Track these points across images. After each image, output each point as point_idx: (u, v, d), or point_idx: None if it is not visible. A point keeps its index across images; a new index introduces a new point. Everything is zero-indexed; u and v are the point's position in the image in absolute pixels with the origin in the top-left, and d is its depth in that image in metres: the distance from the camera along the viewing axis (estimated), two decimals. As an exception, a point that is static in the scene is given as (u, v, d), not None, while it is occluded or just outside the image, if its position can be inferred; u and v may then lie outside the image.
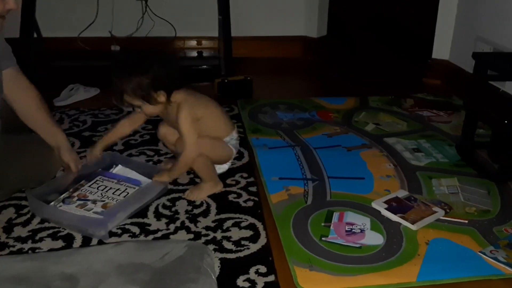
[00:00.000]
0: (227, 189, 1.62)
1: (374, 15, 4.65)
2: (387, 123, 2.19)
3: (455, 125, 2.17)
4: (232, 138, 1.64)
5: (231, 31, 2.84)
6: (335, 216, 1.48)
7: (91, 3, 2.98)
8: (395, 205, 1.51)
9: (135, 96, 1.43)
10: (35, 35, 2.79)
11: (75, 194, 1.53)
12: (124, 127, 1.66)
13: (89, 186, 1.58)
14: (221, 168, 1.68)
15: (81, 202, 1.50)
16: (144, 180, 1.61)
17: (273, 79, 2.83)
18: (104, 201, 1.50)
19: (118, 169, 1.68)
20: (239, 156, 1.84)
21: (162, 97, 1.46)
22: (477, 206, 1.55)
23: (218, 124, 1.61)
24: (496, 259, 1.29)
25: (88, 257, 0.99)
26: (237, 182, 1.66)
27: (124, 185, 1.58)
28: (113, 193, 1.54)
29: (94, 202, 1.50)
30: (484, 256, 1.30)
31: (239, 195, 1.58)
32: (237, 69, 2.70)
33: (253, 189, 1.62)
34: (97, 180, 1.61)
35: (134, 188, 1.57)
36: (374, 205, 1.52)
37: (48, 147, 1.61)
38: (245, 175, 1.71)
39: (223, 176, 1.68)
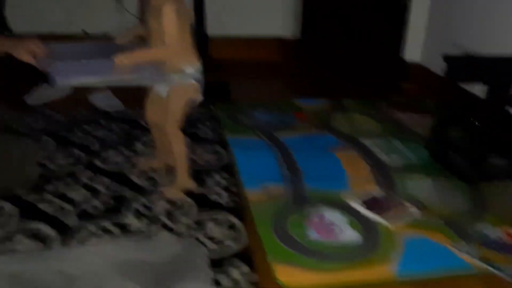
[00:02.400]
0: (208, 189, 1.62)
1: (348, 18, 4.72)
2: (362, 124, 2.24)
3: (428, 127, 2.22)
4: (196, 71, 1.52)
5: (207, 31, 2.84)
6: (313, 214, 1.50)
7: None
8: (372, 204, 1.55)
9: None
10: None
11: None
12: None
13: None
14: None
15: None
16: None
17: (250, 81, 2.85)
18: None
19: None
20: (219, 156, 1.85)
21: None
22: (451, 205, 1.60)
23: (188, 44, 1.48)
24: (469, 253, 1.34)
25: (86, 255, 0.98)
26: (218, 183, 1.67)
27: None
28: None
29: None
30: (458, 251, 1.35)
31: (220, 195, 1.59)
32: (213, 71, 2.69)
33: (233, 189, 1.63)
34: None
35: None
36: (351, 203, 1.55)
37: (26, 148, 1.58)
38: (225, 175, 1.72)
39: (203, 176, 1.68)
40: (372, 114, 2.37)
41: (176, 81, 1.50)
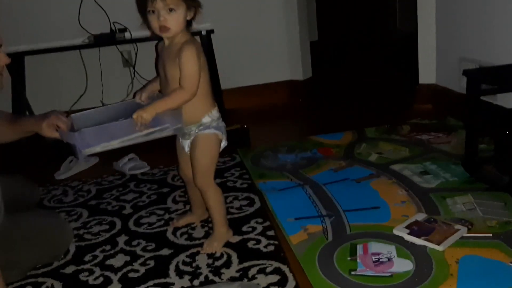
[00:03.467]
0: (245, 236, 1.59)
1: (356, 52, 4.81)
2: (389, 151, 2.21)
3: (455, 144, 2.19)
4: (213, 119, 1.49)
5: (220, 84, 2.90)
6: (359, 248, 1.45)
7: (80, 75, 3.03)
8: (417, 229, 1.50)
9: (177, 2, 1.35)
10: (27, 114, 2.81)
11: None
12: (156, 79, 1.58)
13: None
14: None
15: None
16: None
17: (268, 126, 2.87)
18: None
19: None
20: (250, 202, 1.83)
21: (191, 15, 1.40)
22: (497, 218, 1.54)
23: (206, 92, 1.46)
24: (530, 268, 1.27)
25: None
26: (254, 229, 1.64)
27: None
28: None
29: None
30: (518, 266, 1.29)
31: (258, 241, 1.55)
32: (230, 120, 2.72)
33: (271, 233, 1.60)
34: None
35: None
36: (396, 231, 1.50)
37: (58, 219, 1.59)
38: (259, 220, 1.69)
39: (238, 224, 1.66)
40: (396, 139, 2.34)
41: (197, 133, 1.49)
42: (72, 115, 1.53)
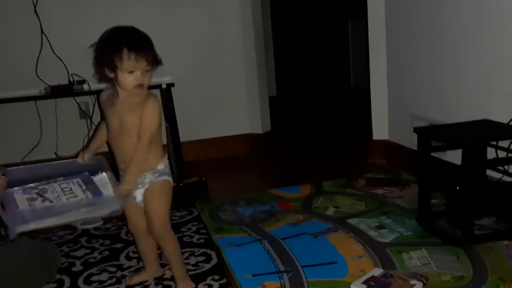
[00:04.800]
0: (201, 294, 1.54)
1: (313, 107, 4.95)
2: (346, 204, 2.24)
3: (409, 198, 2.25)
4: (166, 166, 1.54)
5: (179, 137, 2.90)
6: (317, 305, 1.43)
7: (34, 125, 2.95)
8: (374, 284, 1.50)
9: (152, 64, 1.41)
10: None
11: (41, 187, 1.46)
12: (102, 129, 1.55)
13: (59, 184, 1.49)
14: None
15: (35, 195, 1.44)
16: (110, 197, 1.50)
17: (227, 178, 2.86)
18: (52, 202, 1.43)
19: (101, 177, 1.55)
20: (207, 258, 1.78)
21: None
22: (451, 273, 1.57)
23: (160, 140, 1.54)
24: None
25: None
26: (210, 286, 1.59)
27: (85, 194, 1.49)
28: (67, 198, 1.45)
29: (44, 200, 1.43)
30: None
31: (215, 299, 1.51)
32: (188, 172, 2.71)
33: (228, 290, 1.56)
34: (71, 181, 1.51)
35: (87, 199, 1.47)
36: (353, 287, 1.50)
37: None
38: (216, 277, 1.64)
39: (194, 281, 1.60)
40: (353, 193, 2.38)
41: (152, 181, 1.49)
42: (10, 169, 1.51)
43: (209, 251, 1.84)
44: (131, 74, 1.39)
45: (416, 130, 1.92)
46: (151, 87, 2.74)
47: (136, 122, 1.43)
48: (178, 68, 2.94)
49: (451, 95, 2.35)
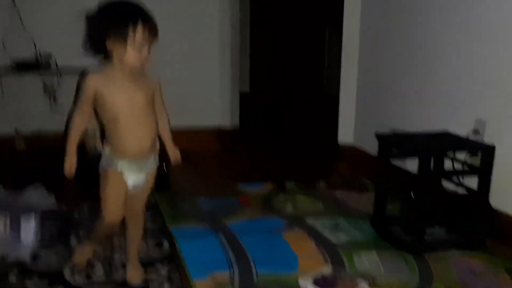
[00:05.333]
0: (148, 281, 1.52)
1: (284, 109, 4.97)
2: (305, 204, 2.25)
3: (366, 203, 2.27)
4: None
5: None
6: (264, 299, 1.43)
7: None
8: (321, 282, 1.51)
9: (154, 36, 1.33)
10: None
11: None
12: (80, 125, 1.40)
13: None
14: None
15: None
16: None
17: (191, 170, 2.83)
18: None
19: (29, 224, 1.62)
20: (159, 246, 1.76)
21: None
22: (398, 277, 1.60)
23: None
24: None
25: None
26: (159, 274, 1.57)
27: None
28: None
29: None
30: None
31: (161, 286, 1.49)
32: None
33: (176, 278, 1.54)
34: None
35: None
36: (301, 283, 1.51)
37: None
38: (166, 266, 1.62)
39: (143, 267, 1.58)
40: (314, 194, 2.40)
41: (153, 165, 1.49)
42: None
43: (162, 239, 1.82)
44: (139, 49, 1.31)
45: (378, 136, 1.95)
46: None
47: (147, 100, 1.38)
48: (153, 53, 2.89)
49: (415, 107, 2.40)
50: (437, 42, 2.24)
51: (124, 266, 1.59)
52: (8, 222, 1.68)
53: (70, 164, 1.39)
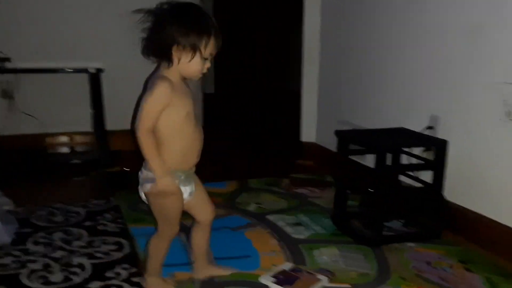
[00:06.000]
0: (107, 282, 1.50)
1: (248, 107, 4.98)
2: (267, 202, 2.27)
3: (328, 199, 2.31)
4: None
5: (105, 124, 2.81)
6: (225, 296, 1.44)
7: None
8: (282, 278, 1.53)
9: (219, 49, 1.30)
10: None
11: None
12: (153, 141, 1.31)
13: None
14: None
15: None
16: None
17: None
18: None
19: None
20: (119, 247, 1.74)
21: None
22: (357, 270, 1.63)
23: None
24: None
25: None
26: (118, 274, 1.55)
27: None
28: None
29: None
30: (369, 315, 1.35)
31: (121, 288, 1.47)
32: (116, 163, 2.64)
33: (137, 279, 1.52)
34: None
35: None
36: (262, 280, 1.52)
37: None
38: (126, 266, 1.61)
39: (102, 269, 1.56)
40: (276, 191, 2.42)
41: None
42: None
43: (122, 240, 1.80)
44: (205, 60, 1.27)
45: (337, 133, 1.99)
46: (74, 71, 2.65)
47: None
48: (110, 54, 2.86)
49: (375, 105, 2.46)
50: (393, 41, 2.30)
51: (83, 269, 1.56)
52: None
53: (169, 182, 1.32)
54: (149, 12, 1.26)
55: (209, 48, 1.26)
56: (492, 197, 1.82)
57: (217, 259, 1.67)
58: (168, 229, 1.41)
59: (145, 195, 1.38)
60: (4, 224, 1.75)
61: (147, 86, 1.31)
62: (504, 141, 1.75)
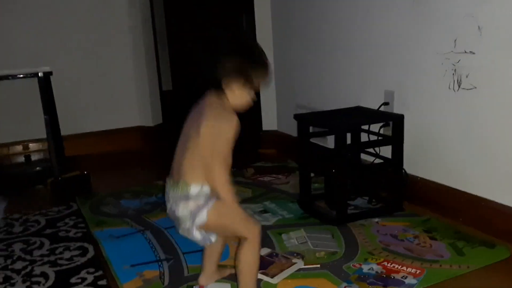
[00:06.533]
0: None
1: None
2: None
3: (293, 184, 2.32)
4: None
5: (60, 130, 2.72)
6: (195, 289, 1.42)
7: None
8: (255, 264, 1.52)
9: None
10: None
11: None
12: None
13: None
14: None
15: None
16: None
17: (114, 172, 2.75)
18: None
19: None
20: (83, 252, 1.69)
21: None
22: (325, 250, 1.64)
23: None
24: (350, 292, 1.36)
25: None
26: (84, 279, 1.50)
27: None
28: None
29: None
30: (341, 292, 1.37)
31: (88, 293, 1.43)
32: (73, 168, 2.55)
33: (103, 282, 1.48)
34: None
35: None
36: (233, 269, 1.50)
37: None
38: (91, 270, 1.56)
39: (67, 276, 1.51)
40: (241, 181, 2.41)
41: None
42: None
43: (86, 245, 1.75)
44: (251, 90, 1.28)
45: (296, 116, 1.99)
46: (25, 77, 2.55)
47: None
48: (59, 57, 2.78)
49: (330, 86, 2.48)
50: (343, 20, 2.31)
51: (47, 278, 1.51)
52: None
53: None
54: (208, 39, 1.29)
55: (262, 81, 1.27)
56: (448, 165, 1.86)
57: (185, 254, 1.65)
58: (253, 228, 1.31)
59: (207, 223, 1.29)
60: None
61: (202, 111, 1.35)
62: (455, 110, 1.80)
